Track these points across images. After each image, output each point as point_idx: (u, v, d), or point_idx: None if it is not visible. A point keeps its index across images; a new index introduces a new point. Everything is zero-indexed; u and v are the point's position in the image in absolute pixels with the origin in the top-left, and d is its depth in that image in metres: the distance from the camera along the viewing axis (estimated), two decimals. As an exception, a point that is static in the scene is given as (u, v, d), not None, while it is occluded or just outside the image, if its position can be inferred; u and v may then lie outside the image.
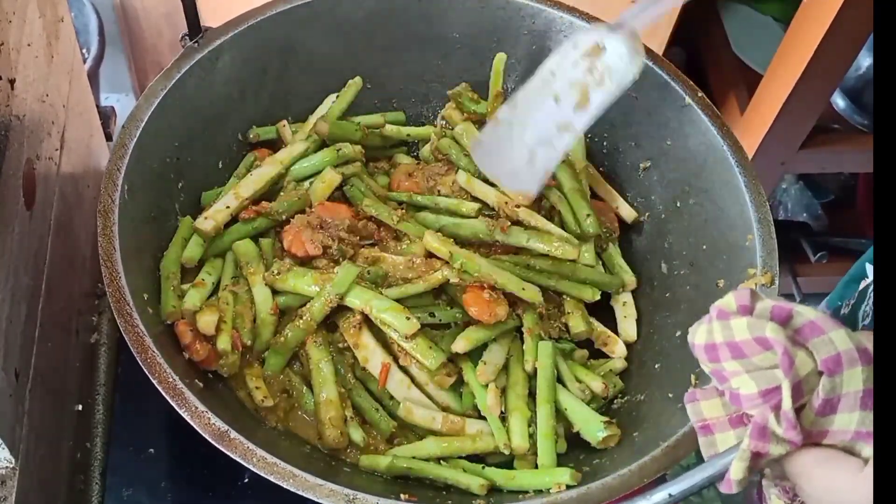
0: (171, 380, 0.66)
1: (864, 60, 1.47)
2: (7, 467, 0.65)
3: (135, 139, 0.78)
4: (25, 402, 0.67)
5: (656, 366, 0.81)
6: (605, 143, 0.95)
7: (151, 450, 0.84)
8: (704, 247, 0.83)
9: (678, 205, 0.88)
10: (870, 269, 0.98)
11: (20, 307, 0.66)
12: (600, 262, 0.91)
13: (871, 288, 0.95)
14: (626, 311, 0.89)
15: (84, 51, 1.54)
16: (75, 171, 0.84)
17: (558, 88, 0.82)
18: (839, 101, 1.53)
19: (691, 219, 0.86)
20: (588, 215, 0.88)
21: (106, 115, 0.99)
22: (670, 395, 0.75)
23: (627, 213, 0.94)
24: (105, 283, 0.69)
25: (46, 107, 0.76)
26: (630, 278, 0.90)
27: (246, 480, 0.81)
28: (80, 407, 0.83)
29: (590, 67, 0.80)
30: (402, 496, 0.66)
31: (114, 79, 1.80)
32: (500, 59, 0.95)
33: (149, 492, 0.81)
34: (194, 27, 0.84)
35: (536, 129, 0.84)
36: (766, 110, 1.43)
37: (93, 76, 1.57)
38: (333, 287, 0.78)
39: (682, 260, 0.86)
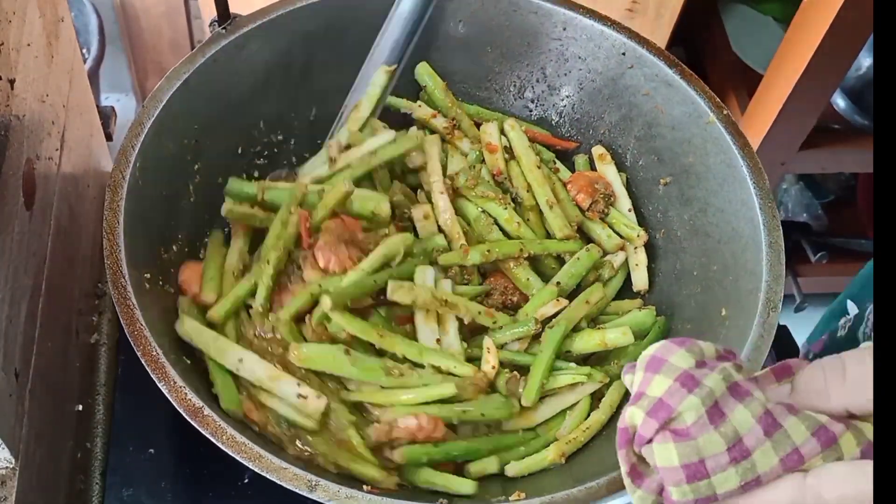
0: (154, 353, 0.67)
1: (864, 60, 1.48)
2: (7, 467, 0.65)
3: (152, 118, 0.78)
4: (25, 402, 0.67)
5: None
6: (628, 156, 0.95)
7: (151, 450, 0.84)
8: (715, 267, 0.83)
9: (694, 223, 0.87)
10: (851, 306, 0.98)
11: (20, 307, 0.66)
12: (608, 227, 0.92)
13: (854, 323, 0.95)
14: (637, 259, 0.90)
15: (84, 51, 1.54)
16: (75, 171, 0.84)
17: None
18: (839, 101, 1.53)
19: (706, 238, 0.85)
20: (566, 235, 0.89)
21: (106, 115, 0.99)
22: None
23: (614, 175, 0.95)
24: (105, 254, 0.71)
25: (46, 107, 0.76)
26: (635, 234, 0.90)
27: (246, 480, 0.81)
28: (80, 407, 0.83)
29: None
30: (364, 487, 0.66)
31: (114, 79, 1.80)
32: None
33: (149, 492, 0.81)
34: (223, 13, 0.85)
35: None
36: (766, 110, 1.43)
37: (93, 76, 1.57)
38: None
39: (691, 279, 0.85)
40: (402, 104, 0.97)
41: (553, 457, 0.76)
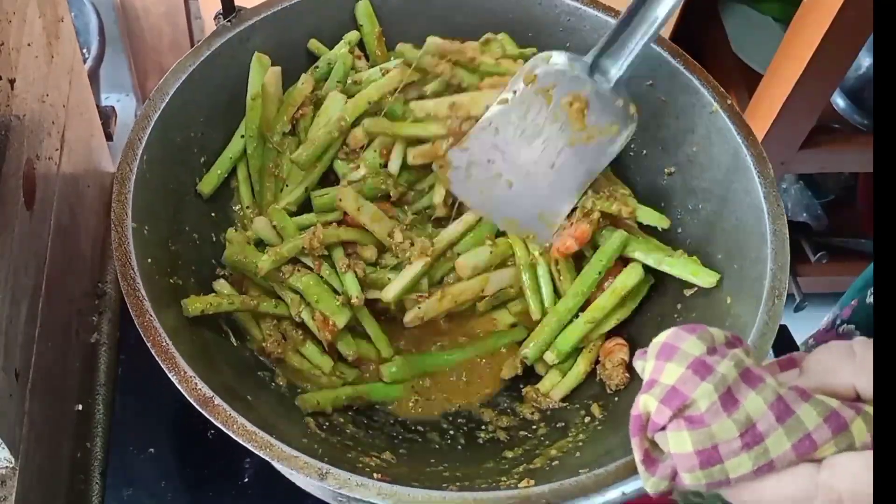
0: (164, 344, 0.67)
1: (864, 60, 1.48)
2: (7, 467, 0.65)
3: (158, 112, 0.79)
4: (25, 402, 0.67)
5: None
6: (632, 146, 0.94)
7: (151, 450, 0.84)
8: (719, 256, 0.83)
9: (698, 212, 0.87)
10: None
11: (20, 307, 0.66)
12: None
13: None
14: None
15: (84, 51, 1.54)
16: (76, 170, 0.85)
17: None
18: (839, 101, 1.53)
19: (710, 227, 0.85)
20: None
21: (106, 115, 0.99)
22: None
23: None
24: (113, 246, 0.71)
25: (46, 107, 0.76)
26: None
27: (246, 480, 0.82)
28: (80, 407, 0.83)
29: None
30: (374, 476, 0.66)
31: (114, 79, 1.80)
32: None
33: (149, 492, 0.81)
34: (228, 6, 0.85)
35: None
36: (766, 110, 1.43)
37: (93, 76, 1.57)
38: None
39: None
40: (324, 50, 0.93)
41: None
